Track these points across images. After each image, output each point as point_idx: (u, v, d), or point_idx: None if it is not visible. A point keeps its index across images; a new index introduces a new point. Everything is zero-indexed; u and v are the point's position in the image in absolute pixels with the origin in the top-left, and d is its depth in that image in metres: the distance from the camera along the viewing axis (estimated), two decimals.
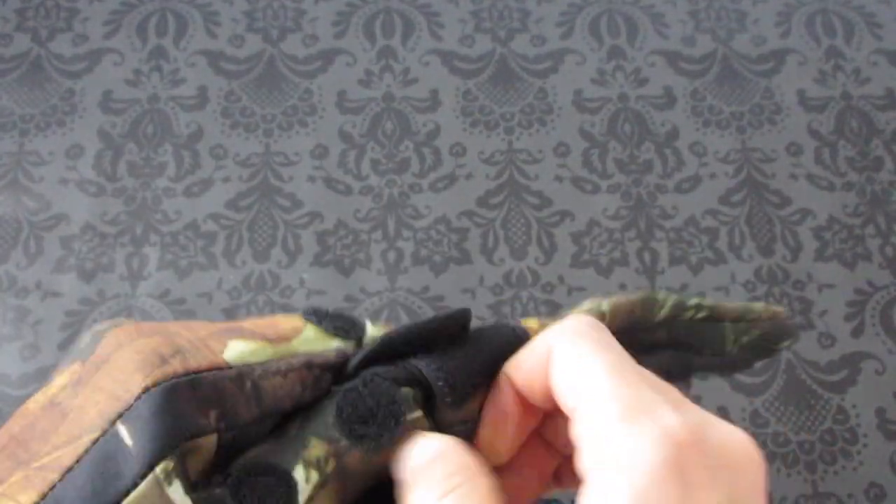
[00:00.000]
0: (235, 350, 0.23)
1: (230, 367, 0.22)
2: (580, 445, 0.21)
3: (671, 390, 0.22)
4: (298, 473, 0.22)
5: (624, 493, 0.19)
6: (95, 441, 0.20)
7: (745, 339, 0.30)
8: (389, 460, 0.23)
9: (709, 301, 0.29)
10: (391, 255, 0.68)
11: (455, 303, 0.66)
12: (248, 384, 0.22)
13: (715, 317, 0.29)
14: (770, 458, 0.61)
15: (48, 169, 0.72)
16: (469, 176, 0.71)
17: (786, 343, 0.31)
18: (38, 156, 0.73)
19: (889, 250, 0.69)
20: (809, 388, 0.63)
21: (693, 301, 0.29)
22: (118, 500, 0.20)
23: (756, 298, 0.67)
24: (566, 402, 0.22)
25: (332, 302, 0.67)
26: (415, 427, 0.24)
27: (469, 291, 0.67)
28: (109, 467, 0.20)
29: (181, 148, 0.73)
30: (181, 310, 0.66)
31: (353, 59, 0.77)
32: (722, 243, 0.69)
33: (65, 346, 0.65)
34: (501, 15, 0.79)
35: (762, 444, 0.61)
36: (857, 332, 0.65)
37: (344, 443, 0.23)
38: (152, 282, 0.67)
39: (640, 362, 0.23)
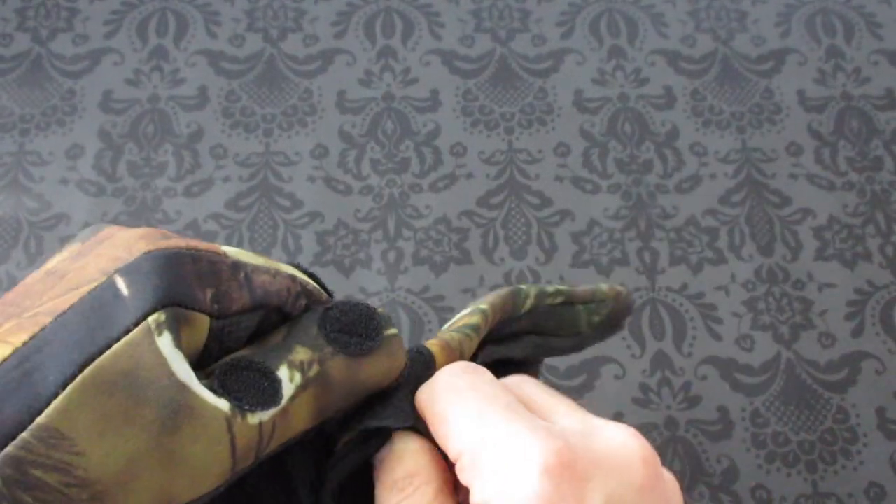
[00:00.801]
0: (230, 249, 0.24)
1: (227, 256, 0.23)
2: (470, 489, 0.22)
3: (544, 406, 0.24)
4: (282, 372, 0.22)
5: None
6: (91, 291, 0.21)
7: (595, 318, 0.33)
8: (370, 378, 0.24)
9: (565, 287, 0.33)
10: (391, 255, 0.68)
11: (455, 303, 0.66)
12: (242, 274, 0.23)
13: (570, 301, 0.32)
14: (770, 457, 0.61)
15: (48, 169, 0.72)
16: (469, 176, 0.71)
17: (627, 319, 0.34)
18: (38, 156, 0.73)
19: (889, 250, 0.69)
20: (809, 388, 0.63)
21: (552, 289, 0.32)
22: (108, 344, 0.20)
23: (756, 298, 0.67)
24: (449, 455, 0.24)
25: None
26: (392, 343, 0.25)
27: (469, 291, 0.67)
28: (102, 313, 0.20)
29: (181, 148, 0.73)
30: None
31: (353, 59, 0.77)
32: (722, 243, 0.69)
33: None
34: (501, 15, 0.79)
35: (762, 444, 0.61)
36: (857, 332, 0.65)
37: (328, 349, 0.24)
38: None
39: (503, 350, 0.27)
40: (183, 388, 0.20)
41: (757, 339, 0.65)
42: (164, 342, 0.20)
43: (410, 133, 0.73)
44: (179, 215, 0.70)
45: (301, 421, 0.23)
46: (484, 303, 0.30)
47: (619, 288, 0.34)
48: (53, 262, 0.23)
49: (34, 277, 0.23)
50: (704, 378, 0.64)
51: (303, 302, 0.25)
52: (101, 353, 0.20)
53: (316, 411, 0.23)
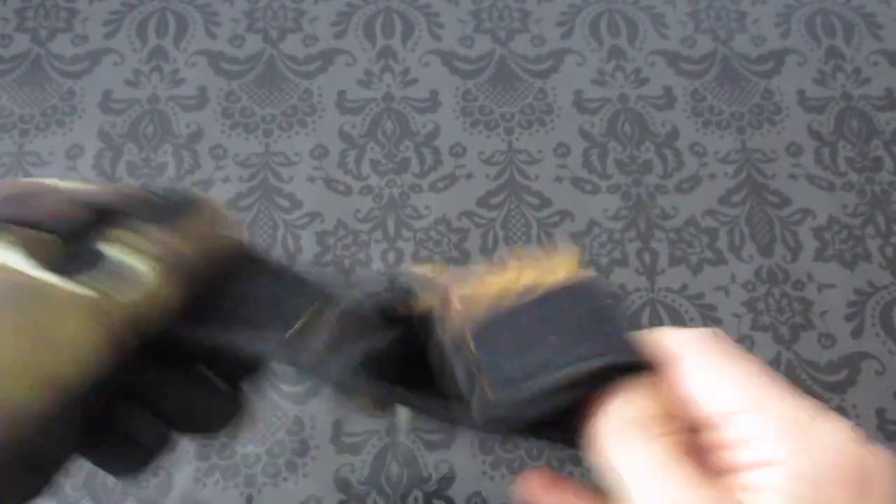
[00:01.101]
0: (53, 180, 0.27)
1: (39, 182, 0.26)
2: (748, 441, 0.21)
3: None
4: (114, 251, 0.24)
5: (826, 471, 0.19)
6: None
7: None
8: (213, 245, 0.27)
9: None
10: (391, 256, 0.68)
11: None
12: (60, 193, 0.25)
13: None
14: None
15: (48, 169, 0.72)
16: (469, 176, 0.71)
17: None
18: (38, 156, 0.73)
19: (889, 250, 0.69)
20: (809, 389, 0.63)
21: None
22: None
23: (756, 299, 0.67)
24: (705, 409, 0.22)
25: None
26: (202, 203, 0.27)
27: None
28: None
29: (181, 148, 0.73)
30: None
31: (353, 59, 0.77)
32: (722, 243, 0.69)
33: None
34: (501, 15, 0.79)
35: None
36: (857, 333, 0.65)
37: (165, 230, 0.25)
38: None
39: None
40: (23, 275, 0.22)
41: (757, 340, 0.65)
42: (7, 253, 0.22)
43: (410, 133, 0.73)
44: None
45: (169, 296, 0.24)
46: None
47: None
48: None
49: None
50: None
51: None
52: None
53: (186, 287, 0.25)
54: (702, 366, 0.22)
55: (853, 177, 0.72)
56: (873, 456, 0.20)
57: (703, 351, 0.23)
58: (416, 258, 0.68)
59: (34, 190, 0.25)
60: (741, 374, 0.22)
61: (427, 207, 0.70)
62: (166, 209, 0.26)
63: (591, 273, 0.26)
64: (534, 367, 0.23)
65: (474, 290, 0.27)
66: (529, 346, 0.24)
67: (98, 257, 0.24)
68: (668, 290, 0.67)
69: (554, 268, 0.27)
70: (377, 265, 0.68)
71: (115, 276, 0.23)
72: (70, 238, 0.24)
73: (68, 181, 0.27)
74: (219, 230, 0.27)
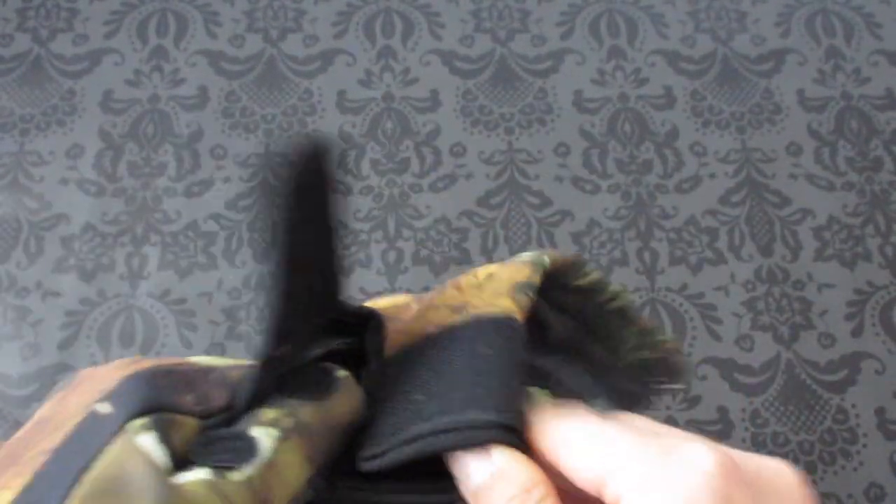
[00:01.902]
0: (200, 358, 0.25)
1: (198, 364, 0.24)
2: (622, 496, 0.21)
3: (672, 430, 0.23)
4: (255, 431, 0.23)
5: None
6: (77, 424, 0.22)
7: (644, 354, 0.29)
8: (342, 415, 0.25)
9: (626, 297, 0.29)
10: (391, 255, 0.68)
11: None
12: (213, 375, 0.24)
13: (625, 313, 0.29)
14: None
15: (48, 169, 0.72)
16: (469, 176, 0.71)
17: (670, 384, 0.30)
18: (38, 156, 0.73)
19: (889, 250, 0.69)
20: (809, 388, 0.63)
21: (613, 288, 0.29)
22: (95, 456, 0.21)
23: (756, 298, 0.67)
24: (587, 475, 0.22)
25: None
26: (348, 381, 0.25)
27: None
28: (88, 435, 0.21)
29: (181, 148, 0.73)
30: (181, 310, 0.66)
31: (353, 59, 0.77)
32: (722, 243, 0.69)
33: (65, 345, 0.65)
34: (501, 15, 0.79)
35: (762, 445, 0.61)
36: (856, 332, 0.65)
37: (294, 401, 0.24)
38: (152, 282, 0.67)
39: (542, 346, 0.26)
40: (167, 475, 0.21)
41: (756, 340, 0.65)
42: (146, 439, 0.21)
43: (410, 133, 0.73)
44: (179, 215, 0.70)
45: (295, 470, 0.23)
46: (547, 257, 0.28)
47: (677, 345, 0.30)
48: (42, 412, 0.25)
49: (26, 429, 0.24)
50: (704, 378, 0.64)
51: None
52: (88, 468, 0.20)
53: (306, 458, 0.24)
54: (559, 437, 0.23)
55: (853, 176, 0.72)
56: (728, 473, 0.20)
57: (559, 420, 0.23)
58: (417, 258, 0.68)
59: (183, 371, 0.24)
60: (593, 436, 0.23)
61: (427, 207, 0.70)
62: (294, 384, 0.25)
63: (503, 309, 0.25)
64: (401, 422, 0.24)
65: (401, 325, 0.27)
66: (406, 395, 0.25)
67: (212, 435, 0.23)
68: (668, 289, 0.67)
69: (479, 298, 0.26)
70: (377, 265, 0.68)
71: (226, 449, 0.23)
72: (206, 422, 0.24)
73: (214, 358, 0.26)
74: (351, 405, 0.25)
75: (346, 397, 0.25)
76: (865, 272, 0.68)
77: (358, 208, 0.70)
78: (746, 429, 0.62)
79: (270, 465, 0.22)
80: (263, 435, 0.23)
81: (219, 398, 0.23)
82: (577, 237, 0.69)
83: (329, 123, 0.74)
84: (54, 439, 0.22)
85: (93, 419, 0.22)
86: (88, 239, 0.69)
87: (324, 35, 0.78)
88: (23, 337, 0.66)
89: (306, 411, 0.24)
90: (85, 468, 0.21)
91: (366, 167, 0.72)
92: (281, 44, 0.78)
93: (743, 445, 0.62)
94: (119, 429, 0.21)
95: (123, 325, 0.66)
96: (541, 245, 0.68)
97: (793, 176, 0.72)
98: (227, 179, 0.71)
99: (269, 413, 0.24)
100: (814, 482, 0.60)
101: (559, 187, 0.71)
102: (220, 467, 0.22)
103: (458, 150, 0.73)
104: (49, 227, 0.70)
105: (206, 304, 0.67)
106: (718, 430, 0.62)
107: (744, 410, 0.63)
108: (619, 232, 0.69)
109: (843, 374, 0.64)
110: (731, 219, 0.70)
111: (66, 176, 0.72)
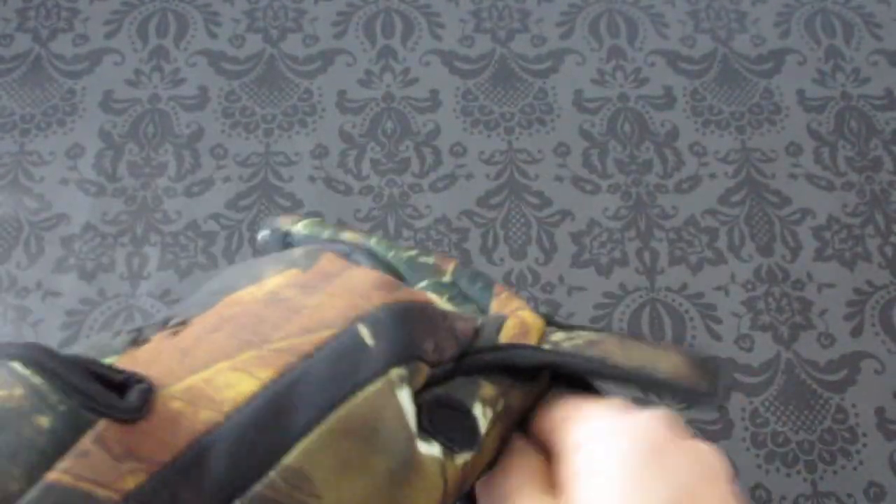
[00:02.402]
0: (433, 297, 0.25)
1: (437, 306, 0.24)
2: (578, 445, 0.23)
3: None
4: (477, 410, 0.23)
5: (613, 456, 0.22)
6: (335, 336, 0.22)
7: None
8: (531, 404, 0.25)
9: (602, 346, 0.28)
10: None
11: None
12: (448, 325, 0.24)
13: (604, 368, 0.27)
14: (769, 457, 0.61)
15: (48, 169, 0.72)
16: (469, 176, 0.71)
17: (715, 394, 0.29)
18: (38, 156, 0.73)
19: (888, 250, 0.69)
20: (809, 388, 0.63)
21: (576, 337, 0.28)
22: (353, 391, 0.21)
23: (755, 298, 0.67)
24: (546, 426, 0.25)
25: None
26: (544, 375, 0.26)
27: None
28: (348, 361, 0.21)
29: (181, 148, 0.73)
30: None
31: (353, 59, 0.77)
32: (721, 243, 0.69)
33: (65, 345, 0.65)
34: (501, 15, 0.79)
35: (762, 444, 0.62)
36: (856, 332, 0.66)
37: (507, 381, 0.24)
38: (153, 281, 0.67)
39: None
40: (413, 441, 0.21)
41: (756, 339, 0.65)
42: (404, 395, 0.21)
43: (410, 133, 0.73)
44: (179, 215, 0.70)
45: (489, 455, 0.23)
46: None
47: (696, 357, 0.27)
48: (271, 283, 0.24)
49: (252, 297, 0.23)
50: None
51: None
52: (345, 399, 0.20)
53: (499, 444, 0.24)
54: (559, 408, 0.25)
55: (853, 176, 0.72)
56: (668, 432, 0.22)
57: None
58: None
59: (431, 314, 0.24)
60: (566, 401, 0.25)
61: (427, 207, 0.70)
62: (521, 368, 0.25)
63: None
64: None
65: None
66: None
67: (443, 398, 0.23)
68: (667, 289, 0.67)
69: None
70: None
71: (456, 426, 0.23)
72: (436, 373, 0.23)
73: (438, 299, 0.26)
74: (537, 395, 0.26)
75: (540, 386, 0.25)
76: (865, 272, 0.68)
77: (358, 208, 0.70)
78: (746, 428, 0.62)
79: (481, 450, 0.23)
80: (480, 415, 0.23)
81: (449, 348, 0.23)
82: (577, 237, 0.69)
83: (329, 123, 0.74)
84: (305, 342, 0.21)
85: (355, 343, 0.21)
86: (88, 239, 0.69)
87: (324, 35, 0.78)
88: (23, 337, 0.66)
89: (515, 396, 0.24)
90: (342, 398, 0.20)
91: (366, 167, 0.72)
92: (281, 44, 0.78)
93: (742, 444, 0.62)
94: (381, 371, 0.21)
95: (124, 324, 0.66)
96: (540, 245, 0.69)
97: (793, 176, 0.72)
98: (227, 179, 0.72)
99: (487, 388, 0.24)
100: (814, 482, 0.60)
101: (559, 187, 0.71)
102: (448, 447, 0.21)
103: (458, 150, 0.73)
104: (49, 227, 0.70)
105: None
106: (718, 429, 0.62)
107: (744, 410, 0.63)
108: (619, 232, 0.69)
109: (842, 373, 0.64)
110: (731, 219, 0.70)
111: (66, 176, 0.72)
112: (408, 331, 0.22)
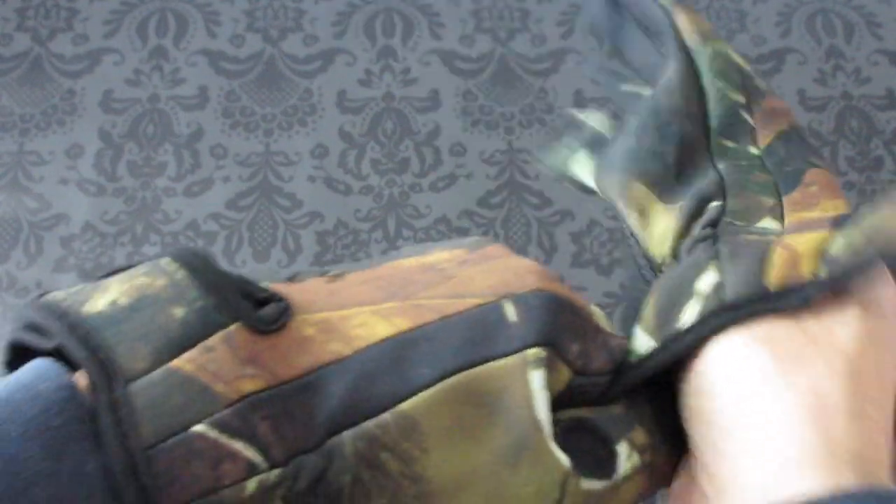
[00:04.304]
0: (595, 310, 0.24)
1: (594, 316, 0.24)
2: None
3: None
4: (622, 448, 0.22)
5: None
6: (479, 305, 0.21)
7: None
8: (672, 473, 0.23)
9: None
10: None
11: None
12: (601, 338, 0.23)
13: None
14: None
15: (48, 169, 0.72)
16: (469, 176, 0.71)
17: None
18: (38, 155, 0.73)
19: None
20: None
21: None
22: (485, 360, 0.20)
23: None
24: None
25: None
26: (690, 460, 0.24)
27: None
28: (485, 330, 0.21)
29: (181, 148, 0.73)
30: None
31: (353, 58, 0.77)
32: None
33: None
34: (501, 15, 0.79)
35: None
36: None
37: (658, 437, 0.23)
38: None
39: None
40: (537, 428, 0.20)
41: None
42: (536, 378, 0.20)
43: (410, 133, 0.73)
44: (179, 215, 0.70)
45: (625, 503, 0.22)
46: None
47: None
48: (434, 257, 0.24)
49: (414, 264, 0.23)
50: None
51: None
52: (475, 365, 0.20)
53: (632, 501, 0.23)
54: None
55: (853, 176, 0.72)
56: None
57: None
58: None
59: (583, 318, 0.23)
60: None
61: (427, 207, 0.70)
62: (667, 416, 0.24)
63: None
64: None
65: None
66: None
67: (587, 422, 0.22)
68: None
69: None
70: None
71: (589, 451, 0.22)
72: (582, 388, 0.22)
73: (602, 317, 0.24)
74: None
75: (669, 467, 0.23)
76: None
77: (358, 208, 0.70)
78: None
79: (613, 489, 0.21)
80: (625, 457, 0.22)
81: (597, 361, 0.22)
82: (577, 237, 0.69)
83: (329, 123, 0.74)
84: (449, 304, 0.21)
85: (497, 316, 0.21)
86: (88, 239, 0.69)
87: (324, 35, 0.78)
88: None
89: (662, 456, 0.23)
90: (471, 363, 0.20)
91: (366, 167, 0.72)
92: (281, 44, 0.78)
93: None
94: (518, 348, 0.20)
95: None
96: (540, 244, 0.68)
97: None
98: (226, 179, 0.71)
99: (640, 434, 0.22)
100: None
101: (559, 187, 0.71)
102: (578, 467, 0.21)
103: (458, 150, 0.73)
104: (49, 227, 0.70)
105: None
106: None
107: None
108: (620, 232, 0.69)
109: None
110: None
111: (66, 176, 0.72)
112: (553, 319, 0.21)
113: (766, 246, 0.23)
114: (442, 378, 0.20)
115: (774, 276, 0.22)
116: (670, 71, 0.27)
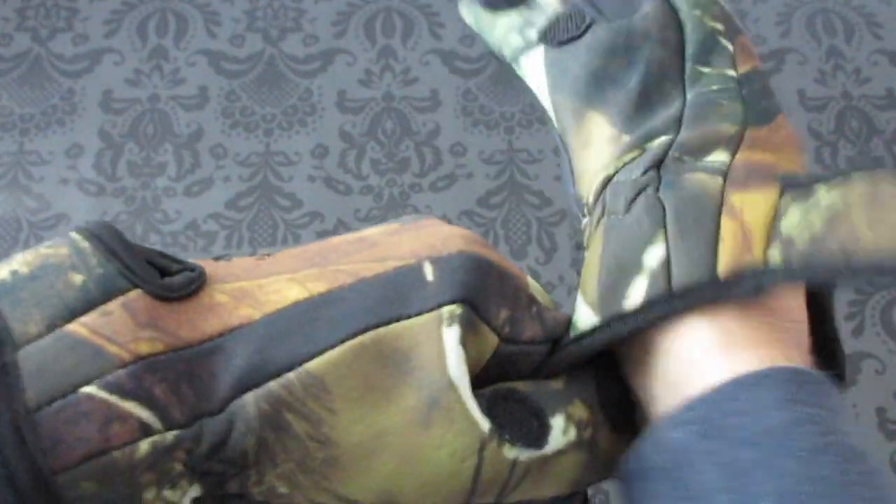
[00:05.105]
0: (530, 282, 0.23)
1: (529, 287, 0.23)
2: None
3: None
4: (557, 421, 0.21)
5: None
6: (398, 268, 0.21)
7: None
8: (616, 457, 0.23)
9: None
10: None
11: None
12: (535, 308, 0.22)
13: None
14: None
15: (48, 169, 0.72)
16: (469, 175, 0.71)
17: None
18: (38, 155, 0.73)
19: None
20: None
21: None
22: (397, 318, 0.20)
23: None
24: None
25: None
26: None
27: None
28: (401, 289, 0.20)
29: (181, 148, 0.73)
30: None
31: (353, 59, 0.77)
32: None
33: None
34: None
35: None
36: (857, 332, 0.65)
37: (601, 416, 0.22)
38: None
39: None
40: (450, 386, 0.20)
41: None
42: (450, 334, 0.20)
43: (410, 133, 0.73)
44: (179, 215, 0.70)
45: (555, 483, 0.22)
46: None
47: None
48: (368, 232, 0.23)
49: (343, 239, 0.23)
50: None
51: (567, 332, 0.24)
52: (386, 324, 0.20)
53: (573, 479, 0.22)
54: None
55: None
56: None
57: None
58: None
59: (514, 285, 0.22)
60: None
61: (427, 207, 0.70)
62: (614, 393, 0.23)
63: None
64: None
65: None
66: None
67: (515, 392, 0.21)
68: None
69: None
70: None
71: (518, 419, 0.21)
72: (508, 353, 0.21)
73: (541, 289, 0.23)
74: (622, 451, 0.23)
75: (627, 442, 0.23)
76: None
77: (358, 208, 0.70)
78: None
79: (543, 461, 0.21)
80: (559, 430, 0.21)
81: (529, 330, 0.22)
82: (577, 236, 0.69)
83: (329, 123, 0.74)
84: (368, 267, 0.21)
85: (415, 277, 0.21)
86: None
87: (324, 35, 0.78)
88: None
89: (605, 435, 0.22)
90: (383, 322, 0.20)
91: (366, 167, 0.72)
92: (281, 44, 0.78)
93: None
94: (432, 307, 0.20)
95: None
96: (541, 244, 0.68)
97: None
98: (226, 179, 0.71)
99: (580, 410, 0.22)
100: None
101: (559, 187, 0.71)
102: (500, 434, 0.20)
103: (458, 150, 0.73)
104: (49, 227, 0.70)
105: None
106: None
107: None
108: None
109: None
110: None
111: (66, 176, 0.72)
112: (472, 279, 0.21)
113: (714, 212, 0.22)
114: (352, 336, 0.19)
115: (725, 259, 0.21)
116: (646, 6, 0.26)
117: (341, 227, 0.69)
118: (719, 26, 0.26)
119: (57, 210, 0.70)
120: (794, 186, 0.22)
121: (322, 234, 0.69)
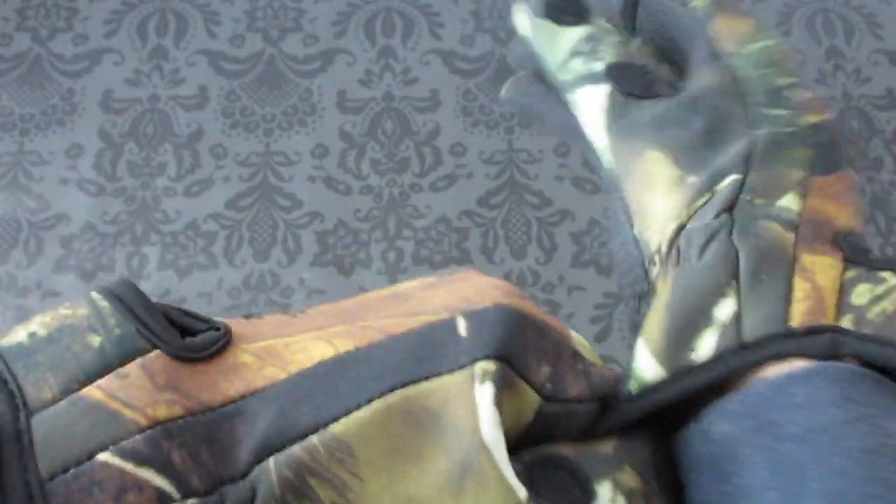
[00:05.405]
0: (574, 335, 0.22)
1: (572, 340, 0.21)
2: None
3: None
4: (604, 489, 0.20)
5: None
6: (430, 323, 0.20)
7: None
8: None
9: None
10: (391, 255, 0.68)
11: None
12: (580, 364, 0.21)
13: None
14: None
15: (48, 169, 0.72)
16: (469, 176, 0.71)
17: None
18: (38, 155, 0.73)
19: (889, 250, 0.69)
20: None
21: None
22: (427, 376, 0.19)
23: None
24: None
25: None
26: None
27: None
28: (431, 346, 0.19)
29: (181, 148, 0.73)
30: None
31: (353, 59, 0.77)
32: None
33: None
34: (502, 15, 0.79)
35: None
36: None
37: (655, 485, 0.21)
38: (152, 282, 0.67)
39: None
40: (484, 449, 0.18)
41: None
42: (483, 393, 0.18)
43: (410, 133, 0.73)
44: (179, 215, 0.70)
45: None
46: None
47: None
48: (402, 287, 0.22)
49: (379, 294, 0.22)
50: None
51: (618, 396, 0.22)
52: (416, 382, 0.19)
53: None
54: None
55: (854, 176, 0.72)
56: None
57: None
58: (417, 258, 0.68)
59: (554, 339, 0.21)
60: None
61: (427, 207, 0.70)
62: (666, 461, 0.21)
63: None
64: None
65: None
66: None
67: (556, 457, 0.20)
68: None
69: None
70: (377, 265, 0.68)
71: (559, 488, 0.19)
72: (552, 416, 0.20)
73: (583, 345, 0.22)
74: None
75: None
76: None
77: (358, 208, 0.70)
78: None
79: None
80: (606, 500, 0.20)
81: (574, 388, 0.20)
82: (577, 237, 0.69)
83: (329, 123, 0.74)
84: (399, 323, 0.20)
85: (448, 332, 0.19)
86: (88, 239, 0.69)
87: (324, 35, 0.78)
88: None
89: (658, 501, 0.21)
90: (412, 380, 0.19)
91: (366, 167, 0.72)
92: (281, 44, 0.78)
93: None
94: (465, 363, 0.19)
95: None
96: (541, 244, 0.68)
97: None
98: (227, 179, 0.71)
99: (629, 478, 0.20)
100: None
101: (559, 187, 0.71)
102: (537, 502, 0.19)
103: (458, 150, 0.73)
104: (49, 227, 0.70)
105: (206, 304, 0.67)
106: None
107: None
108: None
109: None
110: None
111: (66, 176, 0.72)
112: (511, 334, 0.19)
113: (787, 267, 0.21)
114: (379, 397, 0.18)
115: (798, 319, 0.21)
116: (706, 76, 0.25)
117: (341, 227, 0.69)
118: (787, 81, 0.25)
119: (57, 210, 0.70)
120: (858, 264, 0.22)
121: (322, 234, 0.69)
